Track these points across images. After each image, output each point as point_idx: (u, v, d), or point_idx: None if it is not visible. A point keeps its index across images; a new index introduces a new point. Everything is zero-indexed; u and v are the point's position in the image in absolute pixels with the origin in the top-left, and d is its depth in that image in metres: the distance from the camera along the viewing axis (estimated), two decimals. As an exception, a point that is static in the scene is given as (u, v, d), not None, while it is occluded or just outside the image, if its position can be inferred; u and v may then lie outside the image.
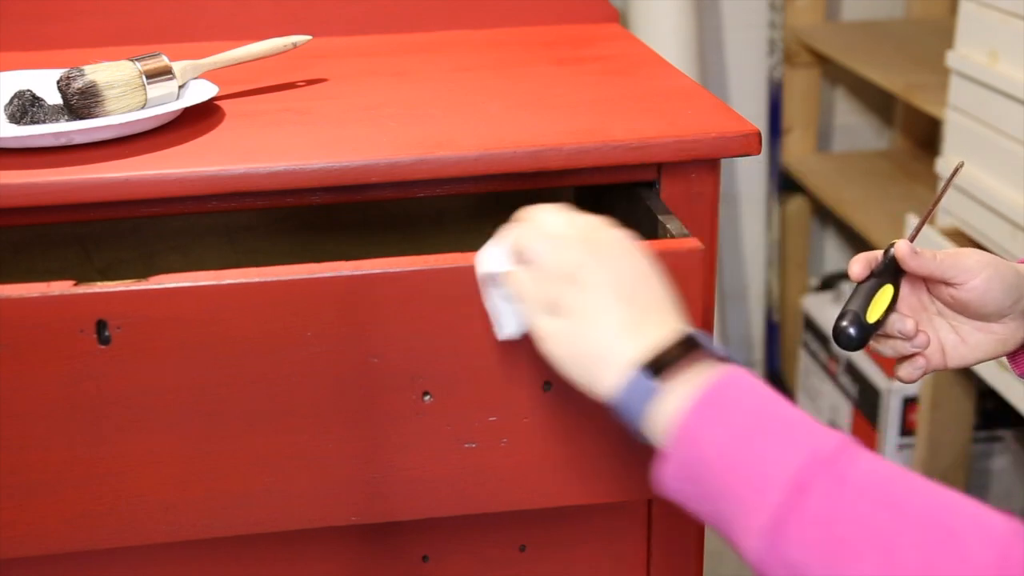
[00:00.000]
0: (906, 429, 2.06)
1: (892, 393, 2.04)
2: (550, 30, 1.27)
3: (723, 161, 0.93)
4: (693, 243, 0.80)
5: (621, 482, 0.83)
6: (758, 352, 2.60)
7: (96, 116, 0.91)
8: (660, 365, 0.66)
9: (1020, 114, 1.56)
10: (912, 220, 1.81)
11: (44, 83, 0.98)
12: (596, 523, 0.96)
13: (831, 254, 2.56)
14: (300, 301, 0.76)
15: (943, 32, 1.98)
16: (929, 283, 0.86)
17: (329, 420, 0.78)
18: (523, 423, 0.80)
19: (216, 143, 0.91)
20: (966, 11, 1.68)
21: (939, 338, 0.87)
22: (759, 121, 2.38)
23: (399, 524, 0.91)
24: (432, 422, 0.79)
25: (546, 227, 0.73)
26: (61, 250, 1.23)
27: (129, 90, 0.93)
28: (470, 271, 0.77)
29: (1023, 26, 1.55)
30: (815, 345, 2.34)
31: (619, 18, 1.31)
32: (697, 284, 0.79)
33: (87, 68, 0.92)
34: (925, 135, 2.40)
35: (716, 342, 0.69)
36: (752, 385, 0.65)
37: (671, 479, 0.66)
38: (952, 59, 1.70)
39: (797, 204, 2.45)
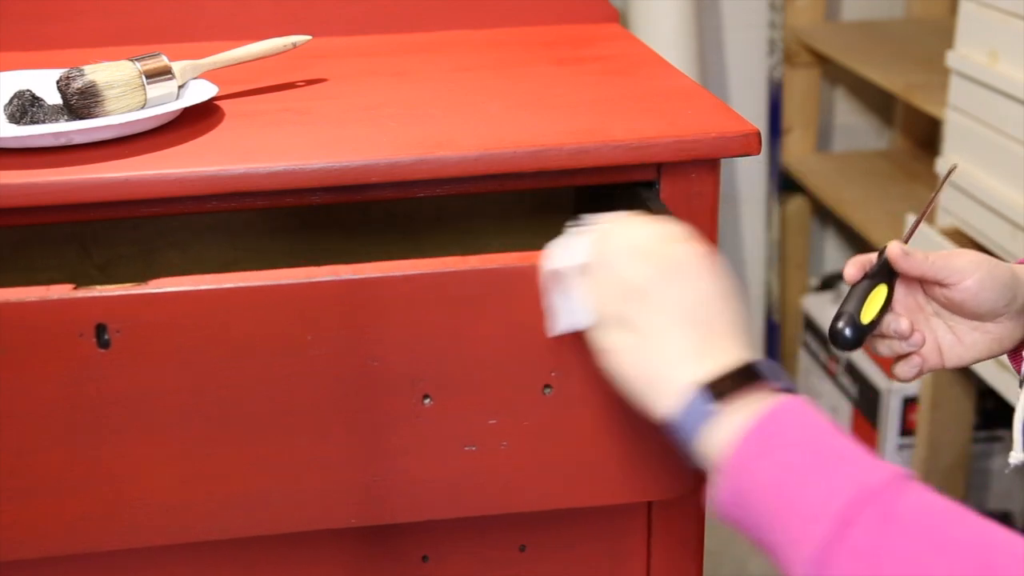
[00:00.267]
0: (906, 429, 2.06)
1: (892, 393, 2.04)
2: (550, 30, 1.27)
3: (723, 161, 0.93)
4: (693, 244, 0.79)
5: (621, 484, 0.83)
6: (758, 352, 2.60)
7: (96, 116, 0.91)
8: (718, 391, 0.67)
9: (1020, 114, 1.56)
10: (912, 220, 1.81)
11: (44, 83, 0.98)
12: (596, 523, 0.96)
13: (831, 254, 2.56)
14: (300, 304, 0.75)
15: (943, 32, 1.98)
16: (923, 284, 0.87)
17: (329, 423, 0.78)
18: (523, 426, 0.80)
19: (216, 143, 0.91)
20: (966, 11, 1.68)
21: (936, 338, 0.87)
22: (759, 121, 2.38)
23: (399, 525, 0.91)
24: (432, 425, 0.79)
25: (624, 237, 0.73)
26: (60, 246, 1.22)
27: (129, 90, 0.93)
28: (470, 275, 0.77)
29: (1023, 26, 1.55)
30: (815, 345, 2.34)
31: (619, 18, 1.31)
32: (697, 285, 0.79)
33: (87, 68, 0.92)
34: (925, 135, 2.40)
35: (779, 370, 0.69)
36: (806, 416, 0.66)
37: (724, 505, 0.66)
38: (952, 59, 1.70)
39: (797, 204, 2.45)
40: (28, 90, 0.95)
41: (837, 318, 0.84)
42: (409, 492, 0.81)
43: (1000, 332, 0.87)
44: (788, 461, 0.64)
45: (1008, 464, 0.79)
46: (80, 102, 0.91)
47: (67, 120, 0.92)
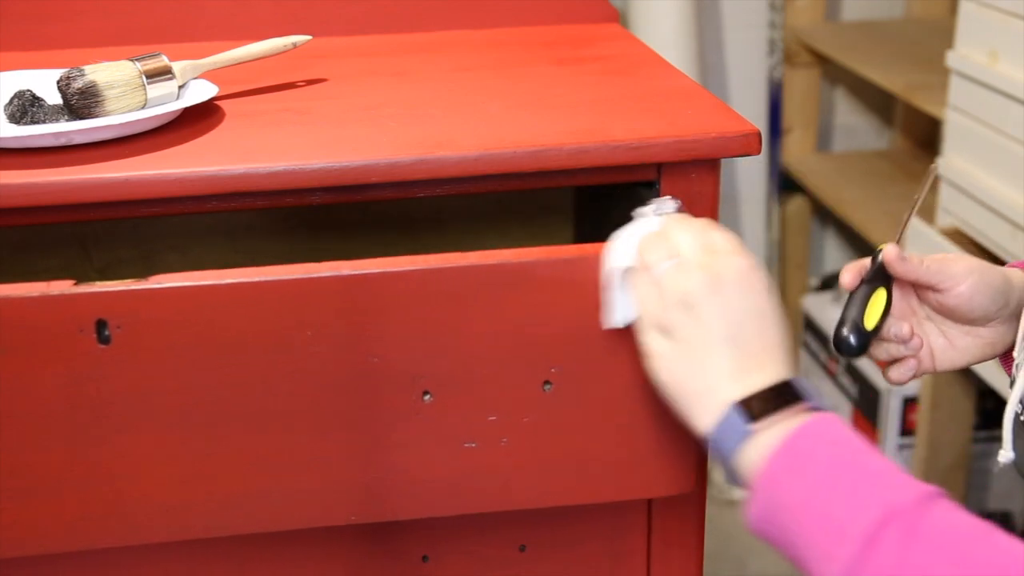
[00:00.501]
0: (906, 429, 2.06)
1: (892, 393, 2.04)
2: (550, 30, 1.27)
3: (723, 161, 0.93)
4: (693, 243, 0.80)
5: (621, 482, 0.83)
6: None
7: (96, 116, 0.91)
8: (754, 410, 0.68)
9: (1020, 114, 1.56)
10: (913, 220, 1.81)
11: (44, 83, 0.98)
12: (596, 523, 0.96)
13: (831, 254, 2.56)
14: (300, 301, 0.76)
15: (943, 32, 1.98)
16: (916, 288, 0.87)
17: (329, 419, 0.78)
18: (523, 423, 0.80)
19: (216, 143, 0.91)
20: (966, 11, 1.68)
21: (928, 342, 0.87)
22: (759, 121, 2.38)
23: (399, 524, 0.91)
24: (432, 422, 0.79)
25: (676, 244, 0.74)
26: (60, 249, 1.23)
27: (129, 90, 0.93)
28: (470, 271, 0.77)
29: (1023, 26, 1.55)
30: (815, 345, 2.34)
31: (619, 18, 1.31)
32: (697, 284, 0.79)
33: (87, 68, 0.92)
34: (925, 135, 2.40)
35: (813, 389, 0.70)
36: (838, 434, 0.67)
37: (755, 521, 0.67)
38: (952, 59, 1.70)
39: (797, 204, 2.45)
40: (28, 90, 0.95)
41: (840, 325, 0.84)
42: (409, 489, 0.81)
43: (992, 336, 0.87)
44: (817, 479, 0.65)
45: (998, 463, 0.80)
46: (80, 102, 0.91)
47: (67, 120, 0.92)
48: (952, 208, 1.75)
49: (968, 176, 1.69)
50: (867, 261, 0.87)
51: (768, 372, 0.70)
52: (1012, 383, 0.83)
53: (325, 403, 0.78)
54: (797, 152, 2.42)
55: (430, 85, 1.08)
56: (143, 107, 0.94)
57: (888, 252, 0.85)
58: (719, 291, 0.71)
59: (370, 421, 0.79)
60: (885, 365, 0.88)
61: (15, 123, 0.93)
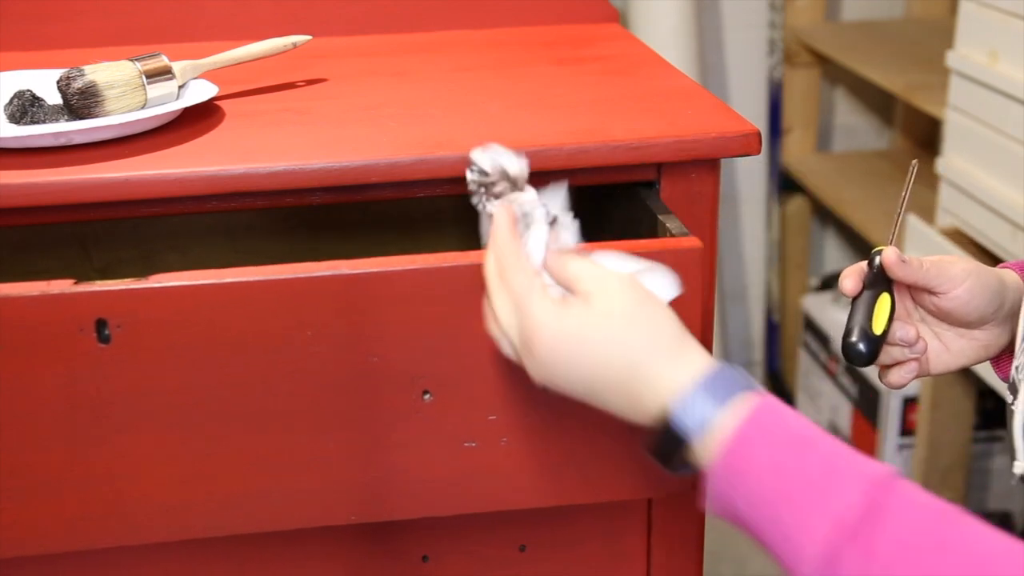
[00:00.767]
0: (906, 429, 2.06)
1: (892, 393, 2.04)
2: (550, 30, 1.27)
3: (723, 161, 0.93)
4: (693, 242, 0.80)
5: (621, 481, 0.83)
6: (758, 352, 2.60)
7: (96, 116, 0.91)
8: (712, 396, 0.66)
9: (1020, 114, 1.56)
10: (913, 221, 1.81)
11: (44, 83, 0.98)
12: (596, 523, 0.96)
13: (831, 254, 2.56)
14: (300, 300, 0.76)
15: (943, 32, 1.98)
16: (913, 290, 0.87)
17: (329, 419, 0.78)
18: (523, 422, 0.80)
19: (216, 143, 0.91)
20: (966, 11, 1.68)
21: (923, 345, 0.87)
22: (759, 121, 2.38)
23: (399, 524, 0.91)
24: (432, 421, 0.79)
25: (493, 315, 0.73)
26: (60, 250, 1.23)
27: (129, 90, 0.93)
28: (470, 270, 0.77)
29: (1023, 26, 1.55)
30: (815, 345, 2.34)
31: (619, 18, 1.31)
32: (697, 284, 0.79)
33: (87, 68, 0.92)
34: (925, 135, 2.40)
35: (743, 372, 0.69)
36: (775, 433, 0.65)
37: (715, 511, 0.66)
38: (952, 59, 1.70)
39: (797, 204, 2.45)
40: (28, 90, 0.95)
41: (848, 334, 0.83)
42: (409, 489, 0.81)
43: (987, 338, 0.87)
44: (759, 492, 0.63)
45: (1014, 475, 0.79)
46: (80, 102, 0.91)
47: (67, 120, 0.92)
48: (952, 208, 1.75)
49: (968, 176, 1.69)
50: (864, 265, 0.87)
51: (696, 358, 0.68)
52: (1010, 387, 0.83)
53: (325, 403, 0.78)
54: (797, 152, 2.42)
55: (430, 85, 1.08)
56: (143, 107, 0.94)
57: (888, 255, 0.84)
58: (538, 366, 0.70)
59: (370, 421, 0.79)
60: (884, 368, 0.88)
61: (15, 123, 0.93)
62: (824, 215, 2.51)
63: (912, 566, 0.58)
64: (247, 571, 0.92)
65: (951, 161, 1.74)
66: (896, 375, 0.87)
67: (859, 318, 0.84)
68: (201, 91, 0.97)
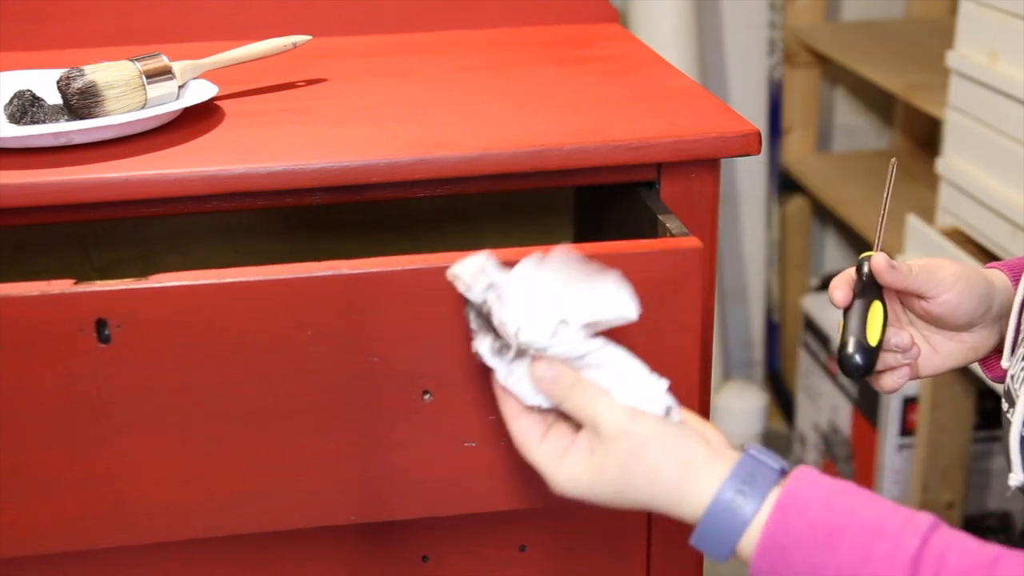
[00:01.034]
0: (906, 429, 2.06)
1: (892, 393, 2.04)
2: (550, 30, 1.27)
3: (723, 161, 0.93)
4: (693, 242, 0.80)
5: (621, 482, 0.83)
6: (758, 352, 2.60)
7: (96, 116, 0.91)
8: (740, 504, 0.66)
9: (1020, 114, 1.56)
10: (913, 220, 1.81)
11: (44, 83, 0.98)
12: (596, 523, 0.96)
13: (831, 254, 2.56)
14: (300, 300, 0.76)
15: (943, 32, 1.98)
16: (902, 295, 0.86)
17: (329, 419, 0.78)
18: (523, 423, 0.80)
19: (216, 143, 0.91)
20: (966, 11, 1.68)
21: None
22: (759, 121, 2.38)
23: (399, 524, 0.91)
24: (432, 421, 0.79)
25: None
26: (61, 250, 1.23)
27: (129, 90, 0.93)
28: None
29: (1023, 26, 1.55)
30: (815, 345, 2.34)
31: (619, 18, 1.31)
32: (697, 284, 0.79)
33: (87, 68, 0.92)
34: (925, 135, 2.40)
35: (764, 450, 0.68)
36: (813, 507, 0.65)
37: None
38: (952, 59, 1.70)
39: (797, 204, 2.45)
40: (28, 90, 0.95)
41: (843, 347, 0.83)
42: (409, 489, 0.81)
43: (975, 341, 0.87)
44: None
45: (1009, 487, 0.79)
46: (80, 102, 0.91)
47: (67, 120, 0.92)
48: (952, 208, 1.75)
49: (968, 176, 1.69)
50: (852, 272, 0.86)
51: (720, 464, 0.68)
52: (1006, 395, 0.82)
53: (325, 403, 0.78)
54: (797, 152, 2.42)
55: (430, 85, 1.08)
56: (143, 107, 0.94)
57: (877, 262, 0.84)
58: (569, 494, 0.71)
59: (370, 421, 0.79)
60: (878, 373, 0.87)
61: (15, 123, 0.93)
62: (824, 215, 2.51)
63: None
64: (247, 571, 0.92)
65: (951, 161, 1.74)
66: (889, 380, 0.86)
67: (853, 329, 0.83)
68: (201, 91, 0.97)
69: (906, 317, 0.88)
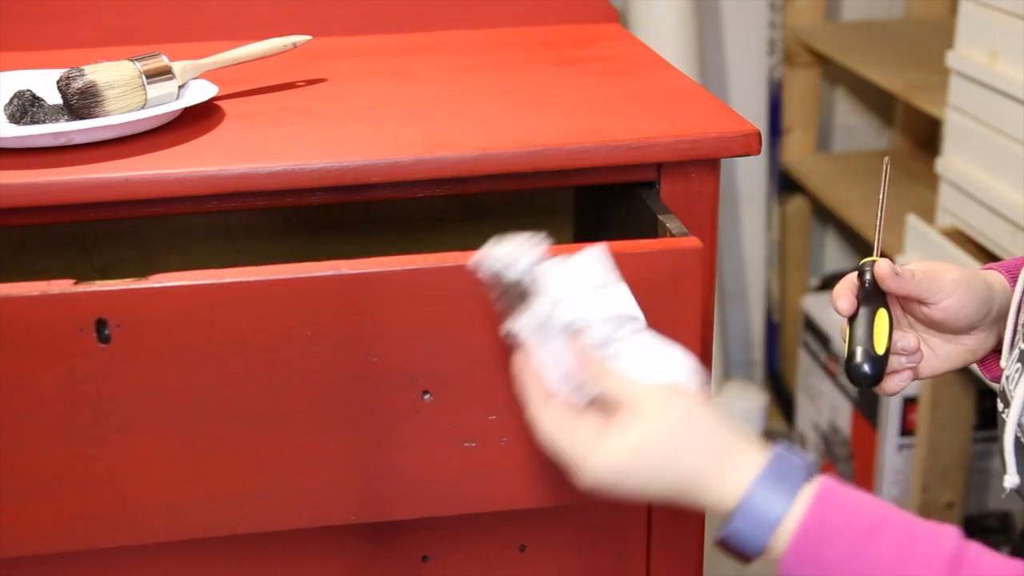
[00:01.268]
0: (906, 429, 2.06)
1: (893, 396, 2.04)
2: (550, 30, 1.27)
3: (723, 161, 0.93)
4: (693, 242, 0.80)
5: (621, 482, 0.83)
6: (758, 352, 2.60)
7: (96, 116, 0.91)
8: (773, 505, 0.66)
9: (1020, 114, 1.56)
10: (913, 221, 1.81)
11: (44, 83, 0.98)
12: (596, 523, 0.96)
13: (831, 254, 2.56)
14: (300, 300, 0.76)
15: (943, 32, 1.98)
16: (903, 300, 0.87)
17: (329, 419, 0.78)
18: (523, 422, 0.80)
19: (216, 143, 0.91)
20: (966, 11, 1.68)
21: None
22: (759, 121, 2.37)
23: (399, 524, 0.91)
24: (432, 421, 0.79)
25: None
26: (61, 250, 1.23)
27: (129, 90, 0.93)
28: (470, 270, 0.76)
29: (1023, 26, 1.55)
30: (815, 345, 2.34)
31: (619, 18, 1.31)
32: (697, 284, 0.79)
33: (87, 68, 0.92)
34: (925, 135, 2.40)
35: (793, 449, 0.69)
36: (847, 510, 0.65)
37: None
38: (952, 59, 1.70)
39: (797, 204, 2.45)
40: (28, 90, 0.95)
41: (851, 357, 0.82)
42: (409, 488, 0.81)
43: (974, 343, 0.87)
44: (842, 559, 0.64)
45: (1004, 488, 0.79)
46: (80, 102, 0.91)
47: (67, 120, 0.92)
48: (952, 208, 1.75)
49: (968, 176, 1.69)
50: (854, 278, 0.86)
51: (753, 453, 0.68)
52: (1001, 395, 0.83)
53: (325, 402, 0.78)
54: (797, 152, 2.41)
55: (430, 85, 1.08)
56: (143, 107, 0.94)
57: (881, 269, 0.84)
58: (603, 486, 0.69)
59: (370, 421, 0.79)
60: None
61: (15, 123, 0.93)
62: (824, 215, 2.51)
63: None
64: (247, 571, 0.92)
65: (951, 161, 1.74)
66: (892, 383, 0.87)
67: (860, 339, 0.83)
68: (201, 91, 0.97)
69: (906, 320, 0.88)
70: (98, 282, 0.74)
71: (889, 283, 0.84)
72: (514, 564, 0.96)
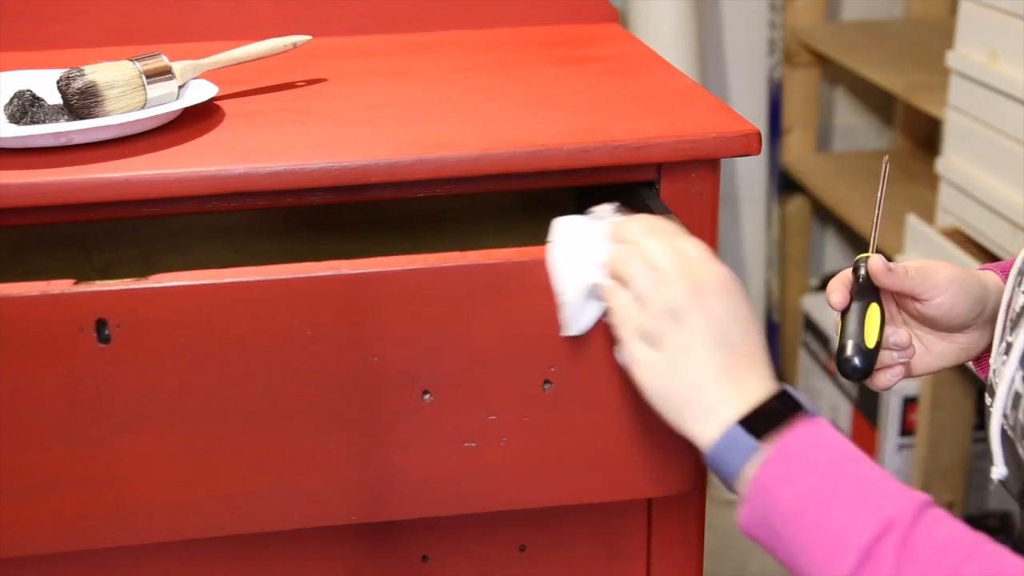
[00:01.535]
0: (906, 429, 2.06)
1: (892, 393, 2.04)
2: (550, 30, 1.27)
3: (723, 161, 0.93)
4: (693, 243, 0.79)
5: (620, 481, 0.83)
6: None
7: (96, 116, 0.91)
8: (761, 426, 0.67)
9: (1020, 114, 1.56)
10: (913, 220, 1.81)
11: (44, 83, 0.98)
12: (596, 523, 0.96)
13: (831, 254, 2.56)
14: (300, 300, 0.76)
15: (943, 32, 1.98)
16: (897, 296, 0.87)
17: (329, 419, 0.78)
18: (523, 422, 0.80)
19: (216, 143, 0.91)
20: (966, 11, 1.68)
21: None
22: (759, 121, 2.38)
23: (399, 524, 0.91)
24: (432, 421, 0.79)
25: (651, 256, 0.72)
26: (61, 250, 1.23)
27: (129, 90, 0.93)
28: (470, 271, 0.77)
29: (1023, 26, 1.55)
30: (815, 345, 2.34)
31: (619, 18, 1.31)
32: (697, 284, 0.79)
33: (87, 68, 0.92)
34: (925, 135, 2.40)
35: (804, 396, 0.70)
36: (830, 439, 0.67)
37: (748, 524, 0.67)
38: (952, 59, 1.70)
39: (797, 204, 2.45)
40: (28, 90, 0.95)
41: (842, 350, 0.83)
42: (409, 489, 0.81)
43: (967, 341, 0.87)
44: (813, 486, 0.65)
45: (992, 480, 0.79)
46: (80, 102, 0.91)
47: (67, 120, 0.92)
48: (952, 208, 1.75)
49: (968, 176, 1.69)
50: (849, 273, 0.86)
51: (762, 380, 0.69)
52: (988, 388, 0.83)
53: (325, 403, 0.78)
54: (797, 152, 2.42)
55: (430, 85, 1.08)
56: (143, 107, 0.94)
57: (874, 264, 0.84)
58: (702, 299, 0.70)
59: (370, 421, 0.79)
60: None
61: (15, 123, 0.93)
62: (824, 215, 2.51)
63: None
64: (247, 571, 0.92)
65: (951, 161, 1.74)
66: (883, 378, 0.87)
67: (851, 332, 0.83)
68: (201, 91, 0.97)
69: (900, 317, 0.88)
70: (98, 282, 0.74)
71: (882, 278, 0.84)
72: (514, 564, 0.96)
